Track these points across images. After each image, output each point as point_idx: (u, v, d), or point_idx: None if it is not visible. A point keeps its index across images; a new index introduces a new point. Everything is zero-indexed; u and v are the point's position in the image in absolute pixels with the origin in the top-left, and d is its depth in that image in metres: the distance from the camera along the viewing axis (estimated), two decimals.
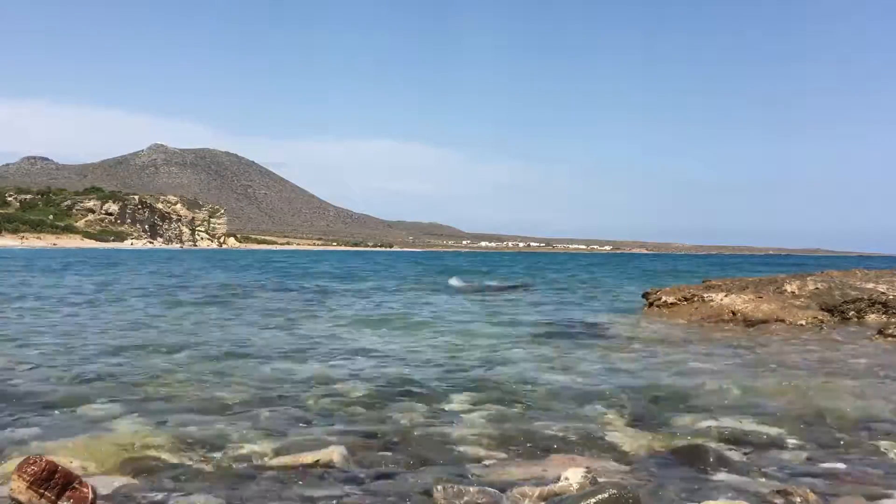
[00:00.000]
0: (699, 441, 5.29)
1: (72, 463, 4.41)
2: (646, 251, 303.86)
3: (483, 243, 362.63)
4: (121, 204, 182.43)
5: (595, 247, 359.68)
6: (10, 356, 8.63)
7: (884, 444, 5.32)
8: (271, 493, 4.18)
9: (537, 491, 4.05)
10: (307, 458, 4.77)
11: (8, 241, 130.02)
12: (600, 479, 4.21)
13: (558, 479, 4.21)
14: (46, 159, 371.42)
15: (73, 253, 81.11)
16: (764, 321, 12.41)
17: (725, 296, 13.98)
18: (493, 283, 27.70)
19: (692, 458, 4.86)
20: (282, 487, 4.29)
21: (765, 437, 5.46)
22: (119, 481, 4.29)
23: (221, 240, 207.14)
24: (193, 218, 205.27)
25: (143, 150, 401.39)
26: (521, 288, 25.43)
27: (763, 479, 4.47)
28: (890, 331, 10.28)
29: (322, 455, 4.79)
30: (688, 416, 6.04)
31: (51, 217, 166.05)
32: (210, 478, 4.43)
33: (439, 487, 4.08)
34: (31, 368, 7.89)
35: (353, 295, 21.04)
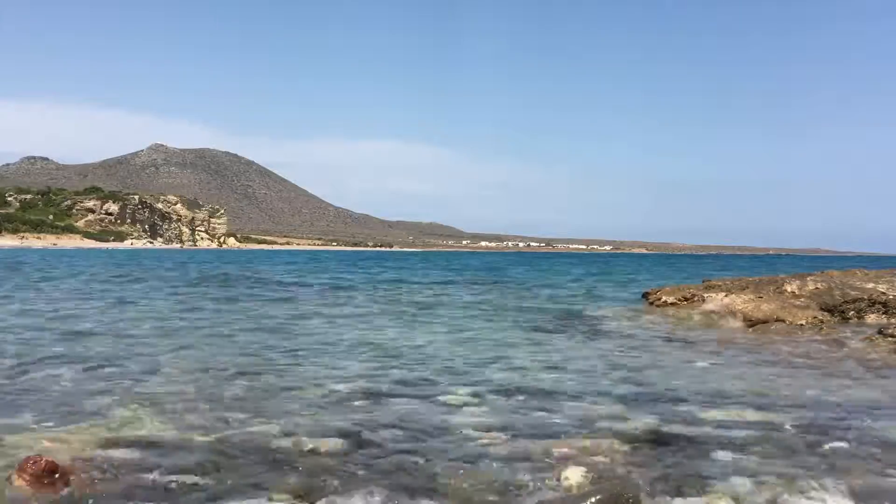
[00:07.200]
0: (699, 430, 5.34)
1: (69, 447, 4.43)
2: (646, 251, 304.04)
3: (483, 243, 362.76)
4: (121, 204, 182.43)
5: (595, 247, 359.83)
6: None
7: (881, 424, 5.52)
8: (273, 474, 4.26)
9: (538, 490, 4.05)
10: (308, 444, 4.81)
11: (8, 241, 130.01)
12: (600, 478, 4.22)
13: (559, 477, 4.22)
14: (46, 159, 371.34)
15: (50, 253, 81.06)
16: (764, 321, 12.42)
17: (725, 296, 14.00)
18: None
19: (693, 449, 4.88)
20: (283, 472, 4.34)
21: (765, 425, 5.53)
22: (118, 468, 4.29)
23: (221, 240, 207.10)
24: (193, 218, 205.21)
25: (143, 150, 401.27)
26: (536, 287, 25.62)
27: (765, 466, 4.52)
28: (890, 331, 10.28)
29: (322, 442, 4.83)
30: (687, 409, 6.08)
31: (51, 217, 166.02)
32: (209, 459, 4.52)
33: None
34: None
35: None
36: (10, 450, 4.66)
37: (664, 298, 14.90)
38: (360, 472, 4.39)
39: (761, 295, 13.53)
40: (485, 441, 5.05)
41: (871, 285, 13.22)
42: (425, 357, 9.03)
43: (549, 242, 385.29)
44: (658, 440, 5.13)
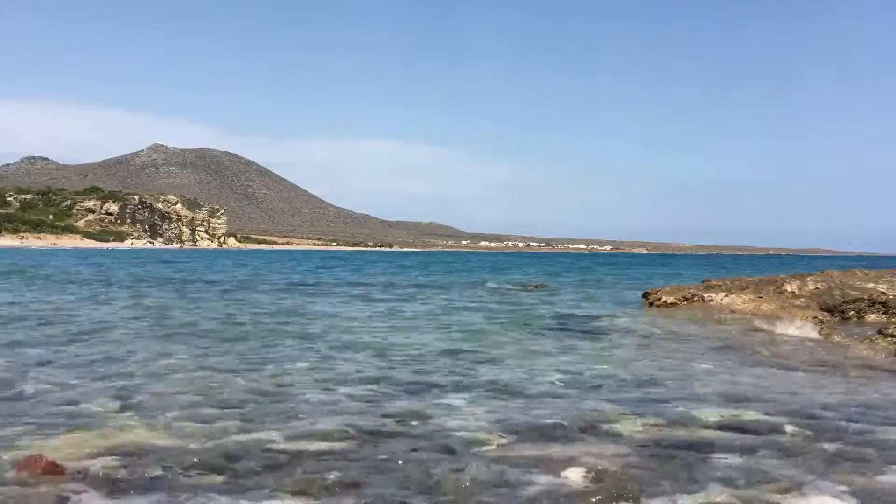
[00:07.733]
0: (699, 431, 5.36)
1: (60, 453, 4.44)
2: (646, 251, 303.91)
3: (483, 243, 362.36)
4: (121, 204, 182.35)
5: (595, 247, 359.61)
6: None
7: (880, 424, 5.57)
8: (274, 475, 4.26)
9: (539, 491, 4.06)
10: (311, 445, 4.83)
11: (8, 241, 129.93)
12: (600, 478, 4.23)
13: (559, 477, 4.23)
14: (46, 159, 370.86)
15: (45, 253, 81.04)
16: None
17: (725, 296, 14.02)
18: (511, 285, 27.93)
19: (693, 449, 4.90)
20: (285, 471, 4.35)
21: (764, 425, 5.55)
22: (116, 469, 4.30)
23: (221, 240, 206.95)
24: (193, 218, 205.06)
25: (143, 150, 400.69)
26: (536, 288, 25.61)
27: (765, 466, 4.54)
28: (890, 331, 10.29)
29: (320, 443, 4.85)
30: (686, 408, 6.10)
31: (51, 217, 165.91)
32: (211, 460, 4.52)
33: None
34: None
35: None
36: (11, 450, 4.67)
37: (664, 298, 14.92)
38: (359, 472, 4.40)
39: (761, 295, 13.55)
40: (485, 442, 5.06)
41: (871, 285, 13.23)
42: (424, 358, 9.04)
43: (549, 242, 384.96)
44: (658, 440, 5.14)
